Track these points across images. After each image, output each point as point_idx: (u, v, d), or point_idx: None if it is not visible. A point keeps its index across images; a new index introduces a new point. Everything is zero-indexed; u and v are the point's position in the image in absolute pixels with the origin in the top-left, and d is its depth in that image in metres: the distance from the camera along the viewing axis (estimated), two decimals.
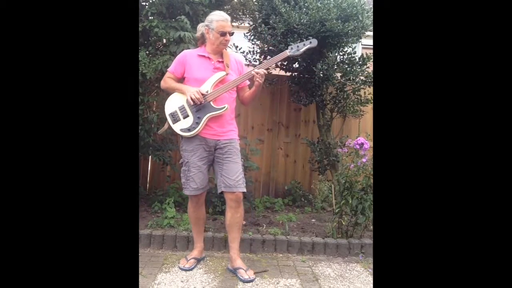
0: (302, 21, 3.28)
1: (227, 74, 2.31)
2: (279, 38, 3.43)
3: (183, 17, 2.95)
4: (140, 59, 2.85)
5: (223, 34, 2.28)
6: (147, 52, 3.07)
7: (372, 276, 2.28)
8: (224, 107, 2.26)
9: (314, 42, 2.36)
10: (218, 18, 2.29)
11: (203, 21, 3.34)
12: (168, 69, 2.43)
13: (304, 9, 3.32)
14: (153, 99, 3.35)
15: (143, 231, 2.75)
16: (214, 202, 3.36)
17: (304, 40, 2.43)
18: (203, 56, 2.34)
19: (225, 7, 3.94)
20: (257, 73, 2.24)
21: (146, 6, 3.09)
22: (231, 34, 2.33)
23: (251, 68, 2.46)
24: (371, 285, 2.27)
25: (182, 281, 2.19)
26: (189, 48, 2.94)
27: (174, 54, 2.98)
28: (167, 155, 3.57)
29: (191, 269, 2.36)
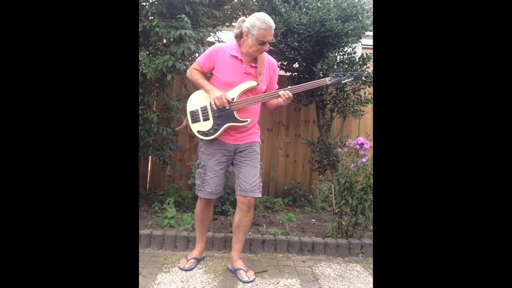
0: (302, 21, 3.28)
1: (258, 84, 2.19)
2: (279, 38, 3.43)
3: (183, 15, 2.95)
4: (140, 59, 2.85)
5: (262, 43, 2.11)
6: (147, 52, 3.07)
7: (372, 276, 2.28)
8: (247, 121, 2.19)
9: (358, 77, 2.26)
10: (261, 25, 2.08)
11: (203, 21, 3.37)
12: (197, 60, 2.28)
13: (304, 9, 3.32)
14: (153, 99, 3.35)
15: (143, 231, 2.75)
16: (214, 203, 3.36)
17: (348, 73, 2.25)
18: (236, 57, 2.19)
19: (225, 7, 3.94)
20: (283, 95, 2.16)
21: (146, 6, 3.09)
22: (270, 43, 2.18)
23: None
24: (371, 285, 2.27)
25: (182, 281, 2.19)
26: (189, 48, 2.94)
27: (174, 54, 2.98)
28: (167, 155, 3.57)
29: (191, 269, 2.36)
